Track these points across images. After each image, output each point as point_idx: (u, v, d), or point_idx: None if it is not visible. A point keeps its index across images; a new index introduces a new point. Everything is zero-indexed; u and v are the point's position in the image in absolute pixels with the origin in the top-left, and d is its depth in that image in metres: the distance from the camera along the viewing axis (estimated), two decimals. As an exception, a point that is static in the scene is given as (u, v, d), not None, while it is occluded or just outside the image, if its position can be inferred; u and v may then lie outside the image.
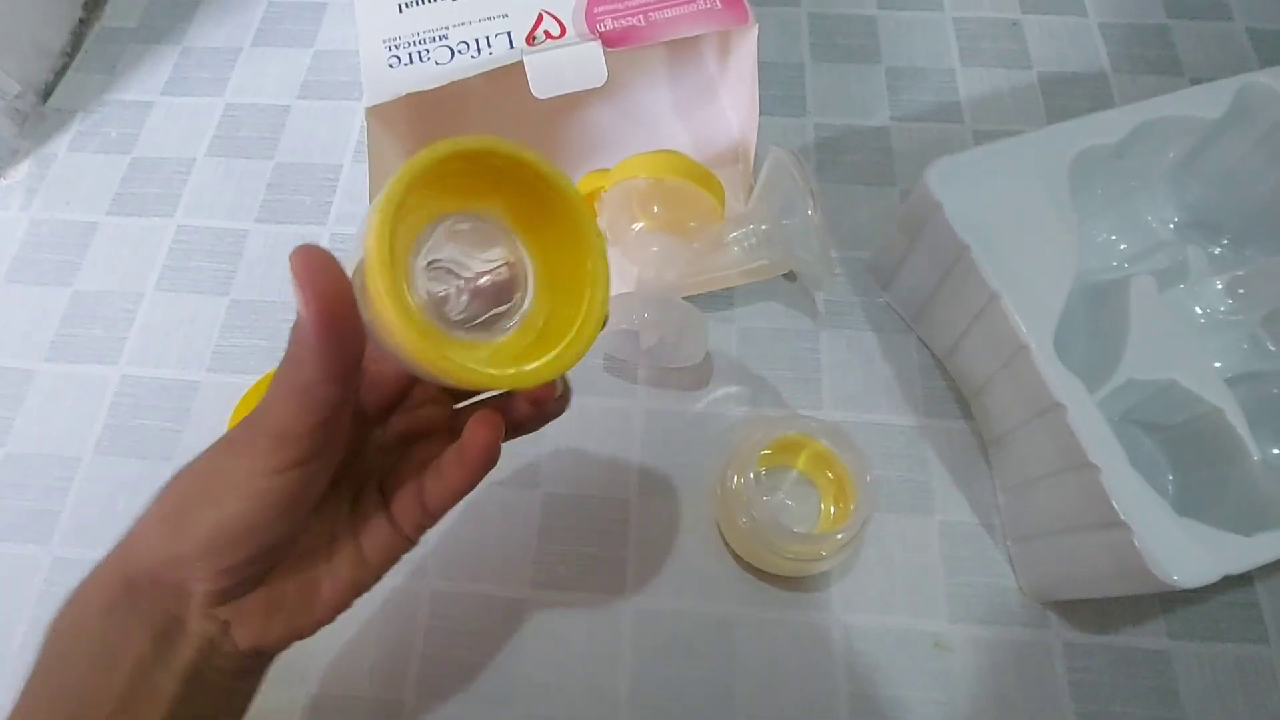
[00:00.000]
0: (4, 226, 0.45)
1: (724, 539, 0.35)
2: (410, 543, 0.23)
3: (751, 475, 0.32)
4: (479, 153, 0.18)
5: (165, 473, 0.37)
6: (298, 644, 0.34)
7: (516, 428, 0.23)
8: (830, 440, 0.33)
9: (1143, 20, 0.49)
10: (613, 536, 0.36)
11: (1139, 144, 0.34)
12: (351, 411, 0.20)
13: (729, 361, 0.40)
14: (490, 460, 0.22)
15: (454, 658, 0.34)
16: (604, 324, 0.20)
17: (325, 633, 0.35)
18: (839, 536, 0.31)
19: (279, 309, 0.42)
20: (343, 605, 0.23)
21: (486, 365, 0.19)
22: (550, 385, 0.22)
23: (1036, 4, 0.50)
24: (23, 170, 0.46)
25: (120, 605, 0.21)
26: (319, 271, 0.17)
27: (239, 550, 0.20)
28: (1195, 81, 0.46)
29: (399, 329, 0.17)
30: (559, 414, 0.24)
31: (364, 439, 0.24)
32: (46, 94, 0.49)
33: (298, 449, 0.19)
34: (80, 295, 0.43)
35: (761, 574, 0.35)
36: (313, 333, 0.17)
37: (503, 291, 0.21)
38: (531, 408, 0.23)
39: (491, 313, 0.21)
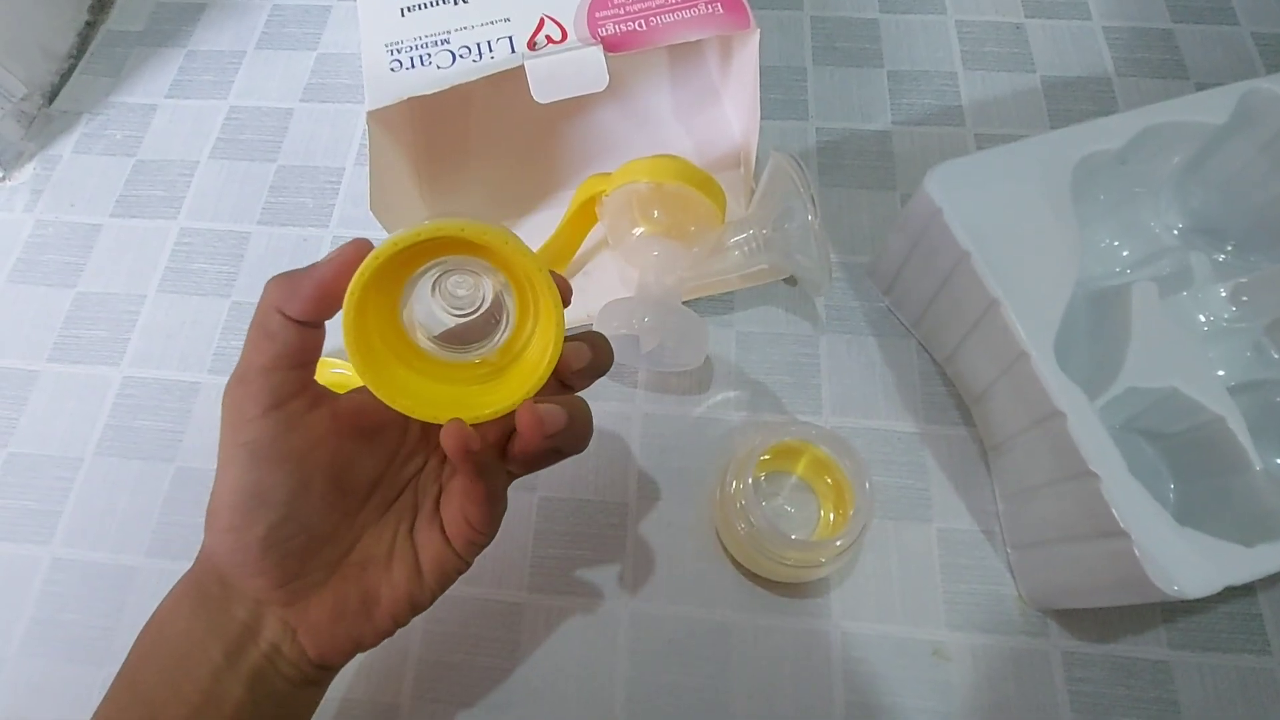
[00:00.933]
0: (9, 227, 0.45)
1: (722, 544, 0.35)
2: (463, 561, 0.24)
3: (750, 481, 0.32)
4: (425, 241, 0.21)
5: (166, 474, 0.38)
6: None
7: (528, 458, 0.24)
8: (829, 446, 0.33)
9: (1147, 24, 0.49)
10: (610, 541, 0.36)
11: (1142, 149, 0.34)
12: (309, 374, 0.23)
13: (728, 366, 0.40)
14: (473, 472, 0.23)
15: (450, 661, 0.34)
16: (550, 371, 0.22)
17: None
18: (838, 543, 0.31)
19: (280, 311, 0.42)
20: (401, 618, 0.24)
21: (445, 400, 0.23)
22: (539, 424, 0.22)
23: (1040, 7, 0.50)
24: (28, 172, 0.47)
25: (196, 612, 0.22)
26: (355, 255, 0.21)
27: (254, 523, 0.21)
28: (1200, 86, 0.46)
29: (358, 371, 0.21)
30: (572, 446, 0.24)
31: (420, 459, 0.25)
32: (52, 96, 0.49)
33: (261, 384, 0.21)
34: (84, 296, 0.43)
35: (759, 580, 0.35)
36: (314, 266, 0.21)
37: (488, 320, 0.24)
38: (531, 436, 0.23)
39: (483, 340, 0.24)
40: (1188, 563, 0.26)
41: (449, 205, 0.44)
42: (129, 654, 0.23)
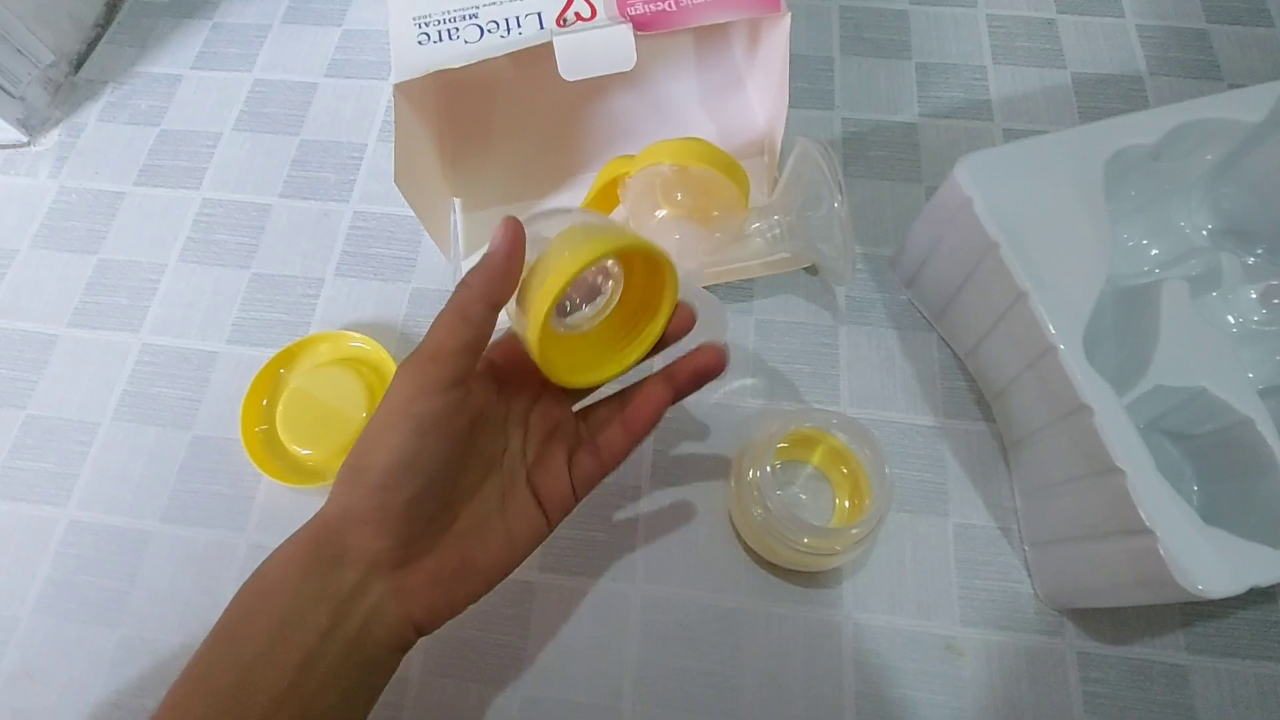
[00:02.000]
0: (33, 193, 0.45)
1: (736, 531, 0.35)
2: (550, 527, 0.27)
3: (768, 468, 0.32)
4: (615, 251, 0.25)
5: (183, 441, 0.38)
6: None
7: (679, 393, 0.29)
8: (847, 435, 0.33)
9: (1181, 24, 0.48)
10: (623, 523, 0.36)
11: (1176, 146, 0.33)
12: (483, 366, 0.26)
13: (747, 354, 0.39)
14: (650, 427, 0.28)
15: (460, 637, 0.34)
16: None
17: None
18: (854, 532, 0.30)
19: (299, 284, 0.42)
20: (494, 581, 0.26)
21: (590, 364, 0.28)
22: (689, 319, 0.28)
23: (1073, 3, 0.49)
24: (53, 138, 0.47)
25: (309, 574, 0.23)
26: (518, 233, 0.24)
27: (404, 485, 0.23)
28: (1234, 87, 0.45)
29: (533, 344, 0.25)
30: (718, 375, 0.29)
31: (504, 439, 0.27)
32: (79, 64, 0.50)
33: (450, 365, 0.23)
34: (105, 263, 0.43)
35: (772, 567, 0.34)
36: (501, 255, 0.23)
37: (595, 287, 0.28)
38: (691, 378, 0.29)
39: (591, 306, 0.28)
40: (1212, 562, 0.25)
41: (471, 183, 0.44)
42: (229, 609, 0.23)
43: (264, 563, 0.24)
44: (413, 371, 0.23)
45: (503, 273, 0.24)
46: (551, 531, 0.28)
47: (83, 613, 0.35)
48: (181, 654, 0.34)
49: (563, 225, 0.26)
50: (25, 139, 0.46)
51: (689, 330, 0.29)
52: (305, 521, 0.24)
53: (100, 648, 0.34)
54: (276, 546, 0.24)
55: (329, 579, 0.23)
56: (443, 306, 0.24)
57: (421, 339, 0.24)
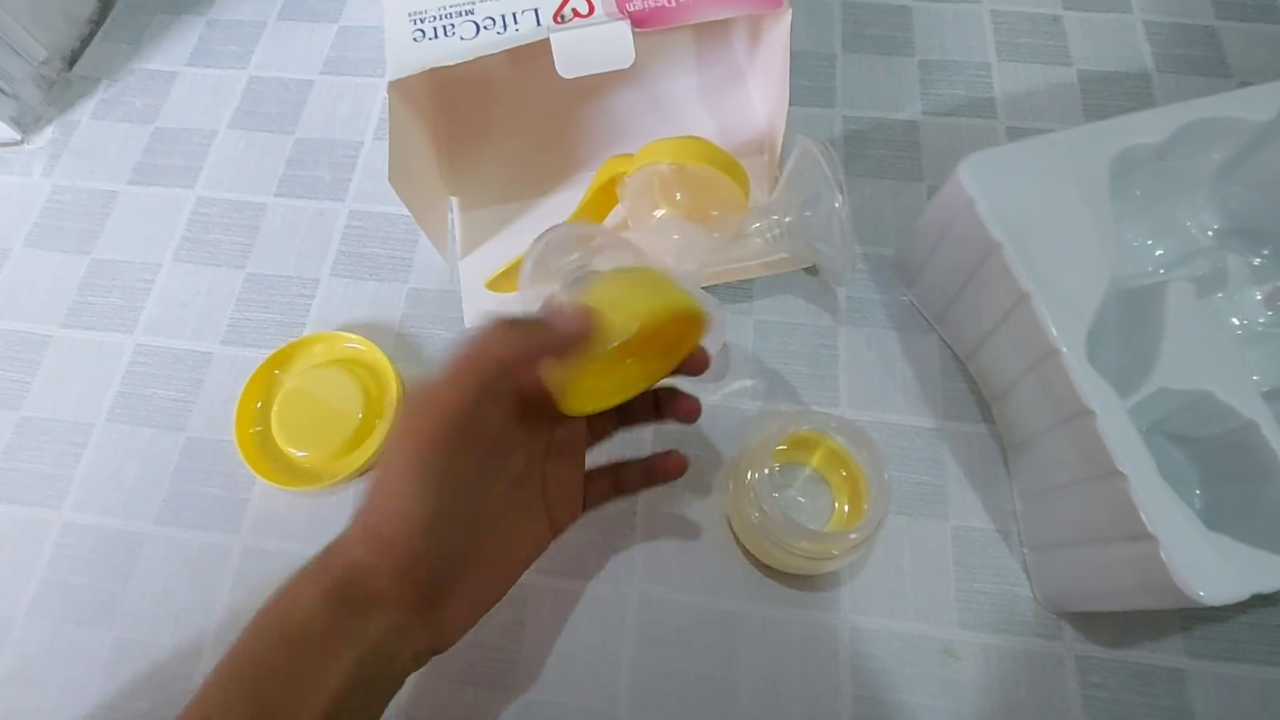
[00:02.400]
0: (26, 192, 0.45)
1: (733, 533, 0.35)
2: (553, 537, 0.28)
3: (766, 471, 0.31)
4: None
5: (177, 443, 0.38)
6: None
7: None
8: (846, 438, 0.33)
9: (1190, 20, 0.47)
10: (620, 526, 0.35)
11: (1183, 145, 0.33)
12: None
13: (745, 355, 0.39)
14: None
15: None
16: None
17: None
18: (852, 536, 0.30)
19: (294, 284, 0.42)
20: (506, 590, 0.27)
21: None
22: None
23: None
24: (46, 136, 0.47)
25: (339, 620, 0.22)
26: (590, 331, 0.24)
27: (428, 545, 0.23)
28: (1243, 84, 0.44)
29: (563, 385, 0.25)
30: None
31: (527, 456, 0.27)
32: (72, 61, 0.49)
33: (466, 417, 0.22)
34: (99, 263, 0.43)
35: (769, 571, 0.34)
36: (563, 343, 0.23)
37: None
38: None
39: None
40: (1214, 569, 0.25)
41: (468, 181, 0.43)
42: (245, 649, 0.22)
43: (281, 601, 0.23)
44: (426, 426, 0.22)
45: (556, 353, 0.23)
46: (554, 540, 0.29)
47: (77, 614, 0.35)
48: (176, 657, 0.34)
49: (606, 264, 0.27)
50: (18, 137, 0.46)
51: (702, 371, 0.29)
52: (323, 554, 0.24)
53: (95, 650, 0.34)
54: (293, 580, 0.23)
55: (356, 626, 0.22)
56: (459, 340, 0.23)
57: (431, 361, 0.24)
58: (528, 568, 0.27)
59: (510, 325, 0.23)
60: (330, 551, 0.24)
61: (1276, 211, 0.36)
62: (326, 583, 0.23)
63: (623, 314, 0.24)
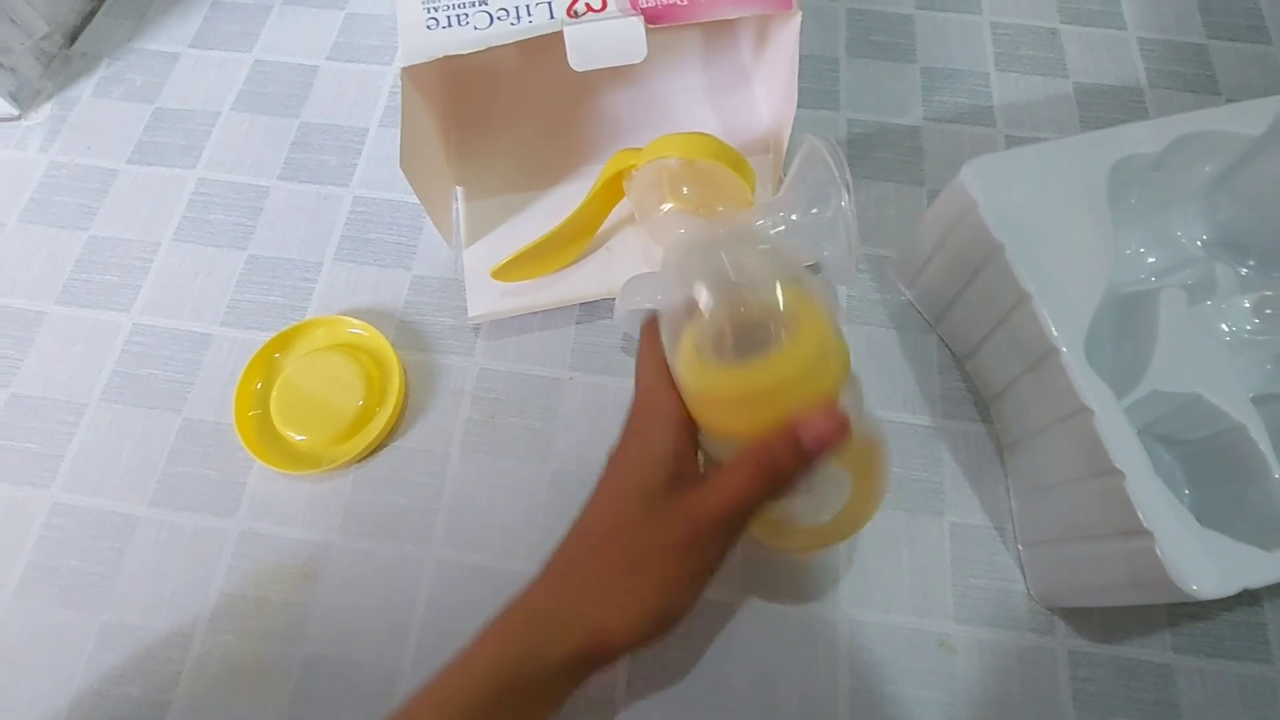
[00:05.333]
0: (23, 166, 0.44)
1: None
2: None
3: None
4: None
5: (173, 424, 0.37)
6: (299, 604, 0.34)
7: None
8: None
9: (1182, 38, 0.49)
10: (622, 517, 0.35)
11: (1178, 156, 0.34)
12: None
13: (748, 350, 0.39)
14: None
15: (454, 629, 0.33)
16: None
17: (326, 594, 0.34)
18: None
19: (297, 267, 0.41)
20: None
21: None
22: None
23: (1076, 14, 0.50)
24: (45, 112, 0.46)
25: (574, 670, 0.24)
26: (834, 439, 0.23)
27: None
28: (1231, 102, 0.46)
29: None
30: None
31: None
32: (73, 37, 0.48)
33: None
34: (96, 240, 0.42)
35: (767, 562, 0.34)
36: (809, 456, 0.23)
37: None
38: None
39: None
40: (1206, 564, 0.26)
41: (474, 172, 0.43)
42: (473, 684, 0.24)
43: (513, 652, 0.24)
44: (709, 551, 0.24)
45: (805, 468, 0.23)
46: None
47: (65, 597, 0.34)
48: (166, 641, 0.33)
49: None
50: (16, 112, 0.45)
51: None
52: (543, 600, 0.25)
53: (83, 633, 0.33)
54: (523, 627, 0.25)
55: (586, 675, 0.25)
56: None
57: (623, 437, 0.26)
58: None
59: (771, 460, 0.23)
60: (574, 613, 0.24)
61: (1263, 224, 0.37)
62: (573, 646, 0.24)
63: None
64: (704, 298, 0.26)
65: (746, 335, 0.25)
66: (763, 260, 0.28)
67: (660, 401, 0.25)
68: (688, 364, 0.26)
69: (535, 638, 0.24)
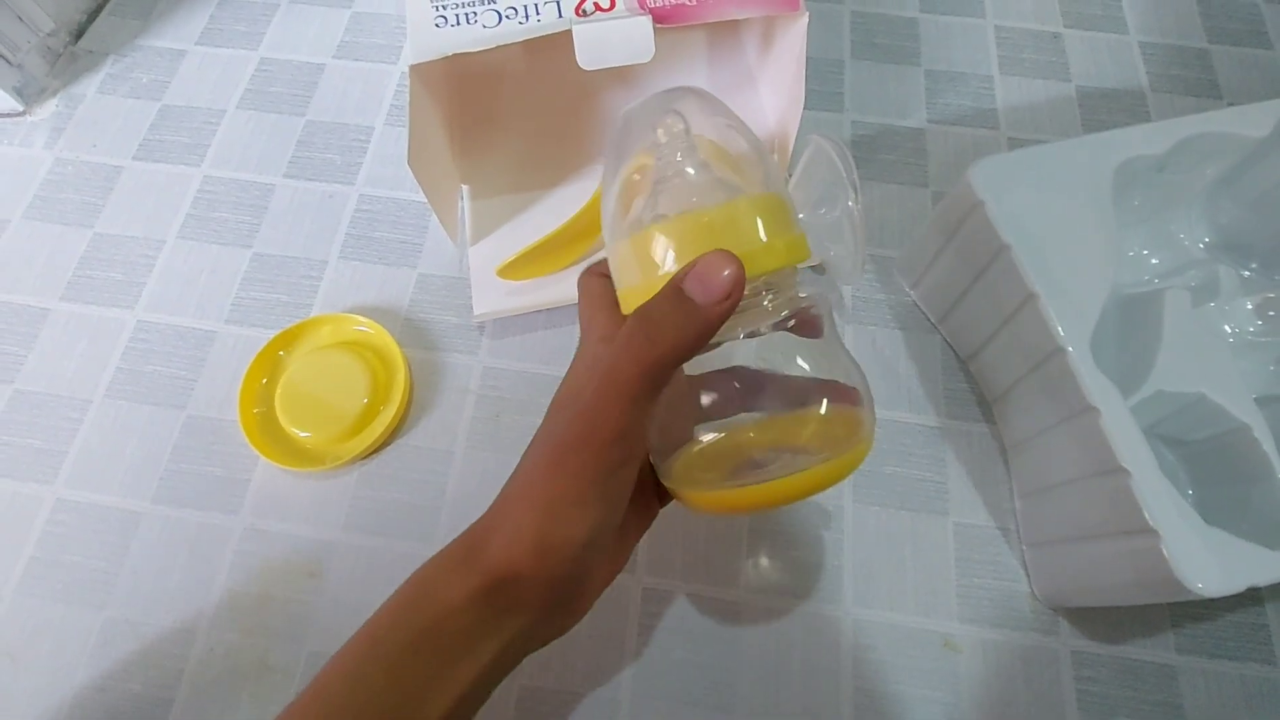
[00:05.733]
0: (28, 163, 0.44)
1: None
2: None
3: None
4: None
5: (176, 421, 0.37)
6: (303, 602, 0.34)
7: None
8: None
9: (1183, 42, 0.49)
10: (626, 515, 0.36)
11: (1182, 158, 0.34)
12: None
13: (752, 349, 0.39)
14: None
15: (459, 625, 0.33)
16: None
17: (330, 592, 0.34)
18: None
19: (301, 265, 0.41)
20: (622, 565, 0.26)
21: None
22: None
23: (1078, 19, 0.50)
24: (50, 108, 0.46)
25: (483, 622, 0.22)
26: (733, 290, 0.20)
27: (589, 558, 0.22)
28: (1233, 106, 0.46)
29: None
30: None
31: None
32: (79, 34, 0.48)
33: (638, 439, 0.21)
34: (101, 238, 0.42)
35: (772, 561, 0.34)
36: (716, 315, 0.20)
37: None
38: None
39: None
40: (1212, 562, 0.26)
41: (479, 171, 0.43)
42: (383, 630, 0.22)
43: (423, 591, 0.23)
44: (589, 454, 0.21)
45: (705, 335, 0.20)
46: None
47: (68, 593, 0.34)
48: (169, 637, 0.33)
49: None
50: (21, 108, 0.45)
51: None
52: (468, 548, 0.23)
53: (85, 629, 0.33)
54: (436, 570, 0.23)
55: (499, 624, 0.22)
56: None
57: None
58: (641, 536, 0.27)
59: (650, 320, 0.20)
60: (478, 548, 0.23)
61: (1265, 227, 0.37)
62: (476, 582, 0.22)
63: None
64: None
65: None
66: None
67: (612, 373, 0.22)
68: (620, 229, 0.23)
69: (433, 579, 0.23)
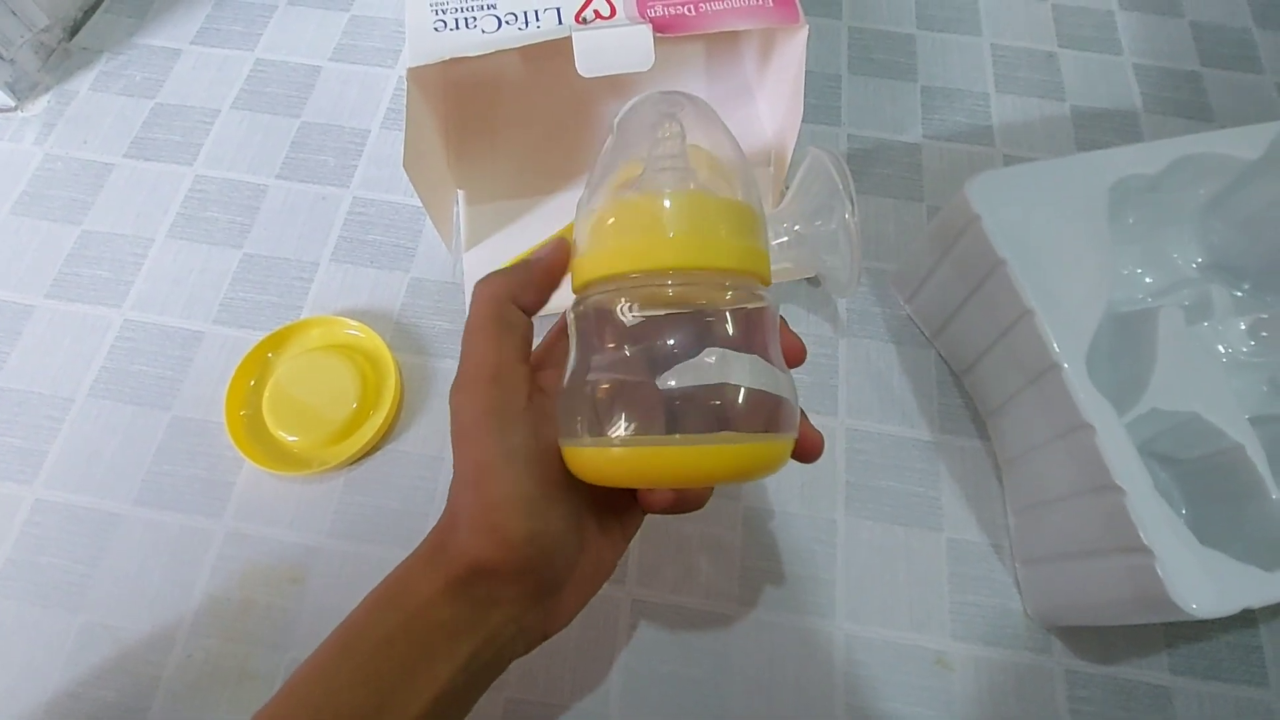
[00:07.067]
0: (17, 158, 0.44)
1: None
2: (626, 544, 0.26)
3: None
4: None
5: (161, 422, 0.37)
6: (285, 608, 0.33)
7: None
8: None
9: (1176, 65, 0.50)
10: (617, 525, 0.35)
11: (1175, 178, 0.34)
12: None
13: (747, 360, 0.39)
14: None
15: (444, 636, 0.33)
16: None
17: (314, 598, 0.34)
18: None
19: (293, 266, 0.41)
20: (616, 562, 0.25)
21: None
22: None
23: (1073, 39, 0.50)
24: (42, 104, 0.45)
25: (459, 613, 0.22)
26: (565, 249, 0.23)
27: (548, 525, 0.21)
28: (1223, 128, 0.46)
29: None
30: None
31: None
32: (74, 31, 0.48)
33: (515, 377, 0.22)
34: (89, 235, 0.42)
35: (764, 575, 0.34)
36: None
37: None
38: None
39: None
40: (1207, 582, 0.26)
41: (475, 176, 0.43)
42: (359, 627, 0.22)
43: (399, 587, 0.22)
44: (477, 401, 0.21)
45: (536, 271, 0.23)
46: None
47: (43, 596, 0.33)
48: (147, 644, 0.32)
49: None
50: (13, 103, 0.45)
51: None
52: (437, 543, 0.23)
53: (60, 633, 0.32)
54: (410, 568, 0.22)
55: (476, 617, 0.22)
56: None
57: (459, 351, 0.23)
58: (629, 541, 0.26)
59: (491, 272, 0.23)
60: (445, 543, 0.22)
61: (1257, 247, 0.37)
62: (447, 576, 0.22)
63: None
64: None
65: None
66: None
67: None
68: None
69: (405, 576, 0.23)
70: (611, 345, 0.22)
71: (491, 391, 0.21)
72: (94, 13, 0.49)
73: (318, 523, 0.35)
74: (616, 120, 0.25)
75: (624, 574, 0.34)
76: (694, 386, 0.21)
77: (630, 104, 0.25)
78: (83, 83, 0.46)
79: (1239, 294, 0.38)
